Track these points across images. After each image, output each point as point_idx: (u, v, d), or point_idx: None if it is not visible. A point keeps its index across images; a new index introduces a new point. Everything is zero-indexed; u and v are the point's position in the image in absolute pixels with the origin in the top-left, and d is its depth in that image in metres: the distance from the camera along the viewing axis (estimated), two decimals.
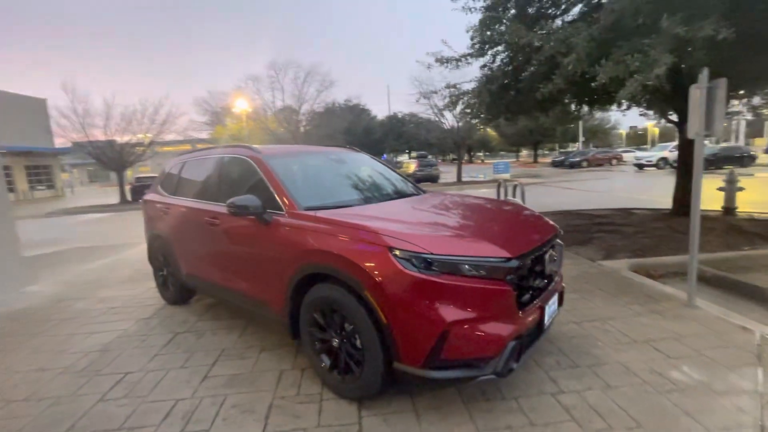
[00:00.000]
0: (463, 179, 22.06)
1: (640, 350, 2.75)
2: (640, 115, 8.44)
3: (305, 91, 27.37)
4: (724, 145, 21.42)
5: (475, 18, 6.14)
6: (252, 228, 2.78)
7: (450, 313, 1.94)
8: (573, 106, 7.80)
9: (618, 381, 2.41)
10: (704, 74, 3.02)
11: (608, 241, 5.79)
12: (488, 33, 6.11)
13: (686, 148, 6.87)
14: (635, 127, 66.59)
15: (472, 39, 6.49)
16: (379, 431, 2.07)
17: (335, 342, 2.35)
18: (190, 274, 3.67)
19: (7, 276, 4.90)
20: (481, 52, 6.36)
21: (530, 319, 2.16)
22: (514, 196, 6.45)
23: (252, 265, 2.86)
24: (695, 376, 2.43)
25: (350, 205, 2.80)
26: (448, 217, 2.70)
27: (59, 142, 26.16)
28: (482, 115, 7.35)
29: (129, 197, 19.93)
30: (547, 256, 2.37)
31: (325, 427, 2.13)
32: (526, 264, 2.17)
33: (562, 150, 48.77)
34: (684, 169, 6.97)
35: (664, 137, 50.01)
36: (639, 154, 27.99)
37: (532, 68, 5.88)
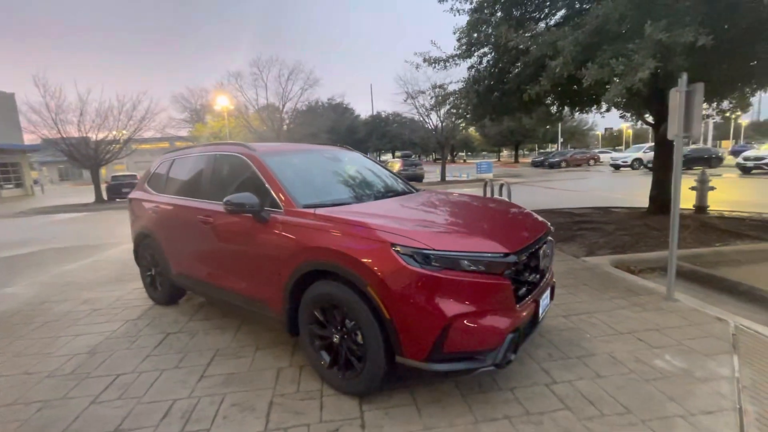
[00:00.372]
0: (447, 179, 22.32)
1: (626, 341, 2.89)
2: (620, 117, 8.76)
3: (289, 89, 27.12)
4: (693, 146, 22.40)
5: (463, 20, 6.26)
6: (248, 226, 2.76)
7: (452, 307, 1.99)
8: (555, 108, 8.03)
9: (607, 370, 2.53)
10: (683, 78, 3.19)
11: (590, 239, 6.00)
12: (475, 35, 6.24)
13: (661, 149, 7.19)
14: (611, 128, 68.95)
15: (459, 40, 6.61)
16: (381, 424, 2.11)
17: (336, 338, 2.37)
18: (180, 274, 3.60)
19: None
20: (468, 54, 6.48)
21: (526, 312, 2.24)
22: (500, 194, 6.60)
23: (248, 264, 2.85)
24: (677, 364, 2.57)
25: (348, 203, 2.82)
26: (445, 215, 2.76)
27: (28, 139, 25.04)
28: (468, 116, 7.48)
29: (105, 196, 19.26)
30: (541, 252, 2.46)
31: (327, 422, 2.15)
32: (523, 259, 2.25)
33: (541, 150, 49.95)
34: (659, 170, 7.29)
35: (639, 139, 51.96)
36: (615, 155, 28.98)
37: (517, 70, 6.03)
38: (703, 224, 6.47)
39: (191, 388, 2.54)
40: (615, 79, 3.97)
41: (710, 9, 3.75)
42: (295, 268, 2.45)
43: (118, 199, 19.14)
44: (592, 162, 32.67)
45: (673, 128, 3.37)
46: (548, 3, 5.93)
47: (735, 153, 27.71)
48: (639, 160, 23.81)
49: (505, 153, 61.08)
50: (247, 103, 27.35)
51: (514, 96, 6.40)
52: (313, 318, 2.46)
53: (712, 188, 7.63)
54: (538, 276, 2.45)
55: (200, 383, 2.59)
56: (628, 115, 8.59)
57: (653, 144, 8.65)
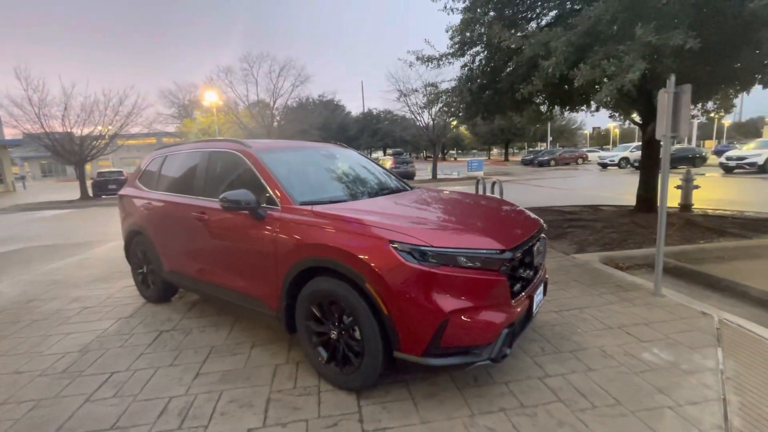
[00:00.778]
0: (438, 176, 22.43)
1: (615, 335, 2.97)
2: (609, 116, 8.92)
3: (280, 85, 26.87)
4: (678, 146, 22.91)
5: (456, 19, 6.29)
6: (245, 223, 2.76)
7: (449, 303, 2.02)
8: (546, 107, 8.14)
9: (597, 364, 2.60)
10: (672, 80, 3.27)
11: (579, 236, 6.12)
12: (467, 34, 6.28)
13: (649, 148, 7.36)
14: (599, 128, 70.01)
15: (451, 39, 6.64)
16: (379, 418, 2.14)
17: (333, 334, 2.39)
18: (173, 271, 3.57)
19: None
20: (461, 52, 6.52)
21: (521, 307, 2.29)
22: (492, 192, 6.67)
23: (244, 261, 2.84)
24: (664, 357, 2.65)
25: (344, 200, 2.83)
26: (441, 212, 2.79)
27: (10, 133, 24.35)
28: (461, 114, 7.53)
29: (90, 193, 18.86)
30: (535, 249, 2.51)
31: (325, 417, 2.17)
32: (518, 256, 2.29)
33: (531, 149, 50.51)
34: (646, 169, 7.46)
35: (625, 138, 52.86)
36: (602, 153, 29.47)
37: (510, 69, 6.09)
38: (688, 222, 6.65)
39: (187, 385, 2.53)
40: (605, 80, 4.05)
41: (698, 12, 3.85)
42: (293, 265, 2.46)
43: (104, 196, 18.78)
44: (580, 161, 33.17)
45: (662, 128, 3.46)
46: (539, 3, 6.00)
47: (718, 153, 28.45)
48: (626, 159, 24.26)
49: (495, 151, 61.63)
50: (237, 99, 27.05)
51: (507, 95, 6.47)
52: (311, 314, 2.47)
53: (697, 187, 7.83)
54: (531, 272, 2.50)
55: (196, 380, 2.58)
56: (617, 115, 8.75)
57: (640, 143, 8.83)
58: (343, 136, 39.97)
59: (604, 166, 25.70)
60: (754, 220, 6.91)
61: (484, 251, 2.12)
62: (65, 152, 17.45)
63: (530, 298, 2.41)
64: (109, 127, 18.45)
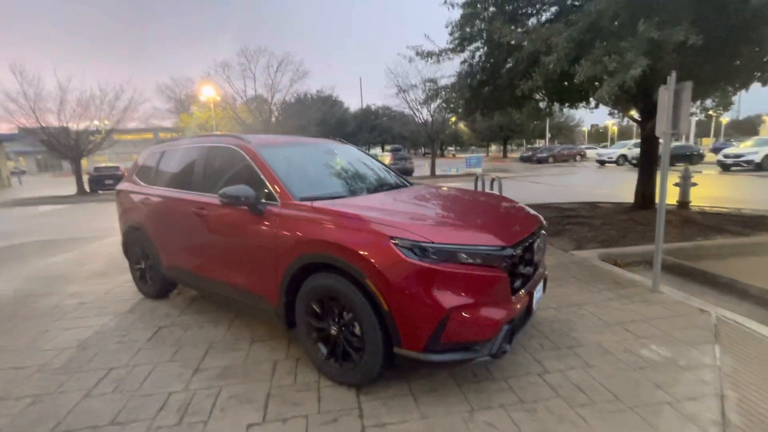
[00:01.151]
0: (437, 173, 22.40)
1: (614, 332, 2.98)
2: (609, 113, 8.91)
3: (278, 80, 26.68)
4: (676, 143, 22.96)
5: (457, 14, 6.25)
6: (244, 218, 2.74)
7: (449, 299, 2.02)
8: (545, 103, 8.12)
9: (596, 360, 2.61)
10: (673, 76, 3.27)
11: (578, 233, 6.13)
12: (468, 29, 6.24)
13: (647, 145, 7.36)
14: (597, 125, 70.04)
15: (451, 34, 6.60)
16: (379, 414, 2.14)
17: (333, 330, 2.38)
18: (172, 267, 3.56)
19: None
20: (460, 48, 6.48)
21: (521, 304, 2.29)
22: (492, 189, 6.67)
23: (244, 257, 2.83)
24: (663, 353, 2.67)
25: (344, 196, 2.82)
26: (441, 208, 2.79)
27: (5, 128, 24.11)
28: (460, 110, 7.51)
29: (87, 188, 18.74)
30: (535, 245, 2.51)
31: (325, 413, 2.17)
32: (518, 252, 2.29)
33: (529, 146, 50.50)
34: (645, 166, 7.46)
35: (624, 135, 52.94)
36: (601, 151, 29.48)
37: (510, 65, 6.06)
38: (686, 219, 6.67)
39: (187, 381, 2.53)
40: (605, 76, 4.04)
41: (700, 8, 3.84)
42: (292, 261, 2.45)
43: (100, 192, 18.67)
44: (578, 158, 33.18)
45: (662, 125, 3.45)
46: None
47: (715, 150, 28.54)
48: (624, 156, 24.28)
49: (493, 148, 61.59)
50: (235, 94, 26.86)
51: (506, 91, 6.45)
52: (310, 310, 2.47)
53: (694, 184, 7.85)
54: (531, 269, 2.50)
55: (196, 376, 2.58)
56: (616, 111, 8.75)
57: (638, 140, 8.82)
58: (341, 131, 39.82)
59: (602, 163, 25.73)
60: (752, 217, 6.94)
61: (485, 248, 2.12)
62: (61, 147, 17.30)
63: (530, 294, 2.41)
64: (106, 122, 18.31)
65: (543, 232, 2.77)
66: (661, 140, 3.52)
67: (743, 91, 6.52)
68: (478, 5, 5.98)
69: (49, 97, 16.92)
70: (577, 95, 7.13)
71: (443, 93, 7.42)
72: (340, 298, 2.28)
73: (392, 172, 3.80)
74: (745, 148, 18.40)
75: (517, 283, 2.31)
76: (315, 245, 2.34)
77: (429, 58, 6.72)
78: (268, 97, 26.99)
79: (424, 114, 21.58)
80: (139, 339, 3.13)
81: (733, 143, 27.35)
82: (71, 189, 19.05)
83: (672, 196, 7.77)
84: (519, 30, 5.08)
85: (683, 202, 7.76)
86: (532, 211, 2.96)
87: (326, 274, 2.34)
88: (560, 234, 6.14)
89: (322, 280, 2.35)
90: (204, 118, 27.76)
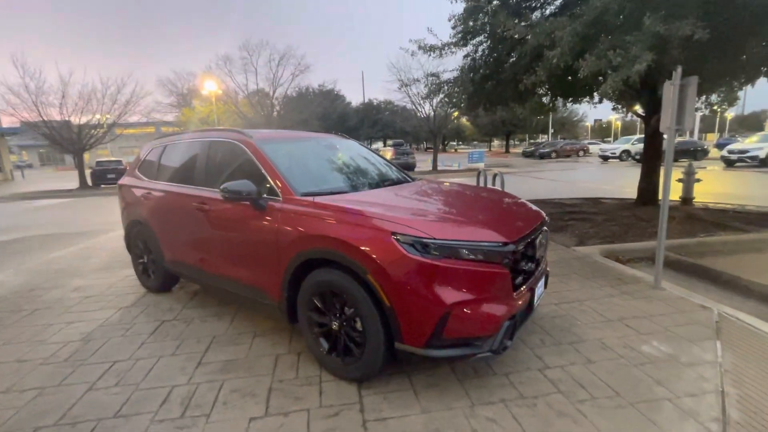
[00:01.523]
0: (439, 168, 22.35)
1: (615, 328, 2.98)
2: (613, 108, 8.84)
3: (280, 74, 26.57)
4: (679, 139, 22.79)
5: (460, 7, 6.19)
6: (246, 214, 2.75)
7: (451, 295, 2.02)
8: (548, 98, 8.06)
9: (597, 356, 2.61)
10: (678, 71, 3.23)
11: (580, 229, 6.12)
12: (471, 23, 6.19)
13: (651, 141, 7.31)
14: (600, 120, 69.63)
15: (454, 28, 6.55)
16: (380, 408, 2.16)
17: (335, 325, 2.39)
18: (174, 261, 3.57)
19: None
20: (463, 42, 6.43)
21: (522, 300, 2.29)
22: (494, 184, 6.65)
23: (246, 251, 2.83)
24: (664, 349, 2.67)
25: (345, 192, 2.82)
26: (443, 204, 2.78)
27: (7, 122, 24.16)
28: (463, 105, 7.46)
29: (89, 182, 18.80)
30: (537, 241, 2.51)
31: (327, 407, 2.19)
32: (520, 249, 2.29)
33: (532, 141, 50.26)
34: (648, 161, 7.42)
35: (627, 131, 52.62)
36: (604, 146, 29.34)
37: (513, 59, 6.02)
38: (689, 215, 6.64)
39: (189, 374, 2.55)
40: (609, 71, 4.00)
41: (707, 2, 3.78)
42: (294, 256, 2.45)
43: (103, 186, 18.73)
44: (581, 153, 33.03)
45: (666, 120, 3.42)
46: None
47: (720, 146, 28.30)
48: (627, 152, 24.14)
49: (496, 143, 61.33)
50: (236, 89, 26.78)
51: (509, 86, 6.40)
52: (312, 305, 2.47)
53: (698, 180, 7.81)
54: (533, 265, 2.50)
55: (198, 369, 2.60)
56: (620, 107, 8.68)
57: (642, 136, 8.75)
58: (343, 126, 39.71)
59: (605, 158, 25.60)
60: (756, 214, 6.90)
61: (487, 244, 2.11)
62: (63, 141, 17.34)
63: (531, 290, 2.41)
64: (108, 116, 18.32)
65: (545, 228, 2.76)
66: (665, 136, 3.49)
67: (749, 87, 6.44)
68: None
69: (51, 91, 16.93)
70: (580, 90, 7.07)
71: (446, 87, 7.37)
72: (341, 293, 2.28)
73: (394, 168, 3.79)
74: (750, 143, 18.26)
75: (519, 279, 2.31)
76: (316, 241, 2.35)
77: (431, 53, 6.68)
78: (269, 91, 26.90)
79: (427, 109, 21.52)
80: (143, 332, 3.15)
81: (738, 139, 27.12)
82: (74, 183, 19.13)
83: (675, 192, 7.74)
84: (523, 24, 5.03)
85: (686, 198, 7.72)
86: (534, 207, 2.95)
87: (328, 269, 2.35)
88: (562, 230, 6.13)
89: (324, 276, 2.36)
90: (206, 113, 27.73)
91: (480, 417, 2.07)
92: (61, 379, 2.55)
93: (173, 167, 3.68)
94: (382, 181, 3.31)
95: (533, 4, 6.10)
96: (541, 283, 2.63)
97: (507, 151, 45.20)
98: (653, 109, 6.70)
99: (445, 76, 7.59)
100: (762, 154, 16.89)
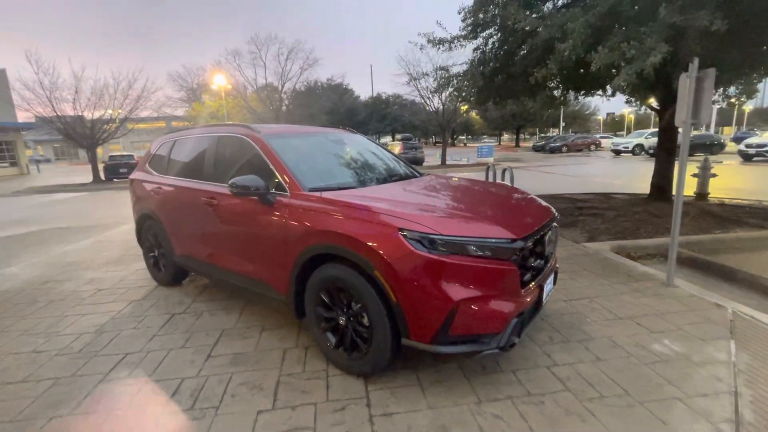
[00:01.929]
0: (447, 162, 22.21)
1: (625, 326, 2.94)
2: (626, 102, 8.66)
3: (288, 68, 26.57)
4: (695, 133, 22.24)
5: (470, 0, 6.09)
6: (253, 209, 2.76)
7: (458, 291, 2.01)
8: (560, 92, 7.92)
9: (606, 354, 2.58)
10: (695, 63, 3.14)
11: (591, 225, 6.03)
12: (481, 15, 6.09)
13: (666, 135, 7.15)
14: (612, 113, 68.30)
15: (464, 21, 6.45)
16: (387, 404, 2.16)
17: (342, 320, 2.40)
18: (184, 255, 3.62)
19: None
20: (473, 35, 6.33)
21: (531, 297, 2.27)
22: (503, 179, 6.58)
23: (254, 246, 2.85)
24: (675, 348, 2.62)
25: (353, 187, 2.81)
26: (451, 200, 2.76)
27: (22, 117, 24.62)
28: (472, 98, 7.37)
29: (102, 176, 19.12)
30: (546, 238, 2.47)
31: (333, 401, 2.20)
32: (529, 245, 2.26)
33: (542, 135, 49.58)
34: (662, 156, 7.26)
35: (640, 124, 51.57)
36: (616, 140, 28.77)
37: (524, 52, 5.91)
38: (704, 211, 6.49)
39: (199, 367, 2.58)
40: (623, 64, 3.90)
41: None
42: (302, 252, 2.46)
43: (115, 180, 19.03)
44: (593, 147, 32.48)
45: (681, 114, 3.34)
46: None
47: (737, 140, 27.57)
48: (640, 146, 23.68)
49: (505, 137, 60.69)
50: (245, 83, 26.88)
51: (520, 79, 6.30)
52: (320, 300, 2.48)
53: (714, 175, 7.62)
54: (542, 261, 2.47)
55: (207, 362, 2.63)
56: (633, 100, 8.49)
57: (656, 130, 8.56)
58: (351, 120, 39.65)
59: (617, 153, 25.14)
60: None
61: (495, 240, 2.09)
62: (77, 135, 17.63)
63: (540, 287, 2.38)
64: (119, 111, 18.56)
65: (555, 224, 2.72)
66: (680, 130, 3.40)
67: None
68: None
69: (64, 86, 17.19)
70: (593, 83, 6.93)
71: (455, 81, 7.29)
72: (348, 288, 2.28)
73: (402, 162, 3.77)
74: None
75: (528, 275, 2.29)
76: (324, 236, 2.35)
77: (441, 46, 6.60)
78: (278, 85, 26.95)
79: (436, 102, 21.34)
80: (153, 325, 3.21)
81: (756, 132, 26.37)
82: (87, 177, 19.47)
83: (690, 187, 7.58)
84: (534, 16, 4.93)
85: (702, 194, 7.56)
86: (544, 203, 2.91)
87: (335, 264, 2.35)
88: (572, 226, 6.05)
89: (331, 271, 2.36)
90: (215, 107, 27.92)
91: (486, 414, 2.06)
92: (75, 369, 2.61)
93: (183, 162, 3.71)
94: (390, 176, 3.29)
95: None
96: (551, 279, 2.60)
97: (517, 146, 44.70)
98: (668, 102, 6.54)
99: (455, 70, 7.51)
100: None
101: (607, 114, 68.75)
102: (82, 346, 2.91)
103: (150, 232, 4.08)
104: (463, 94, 7.40)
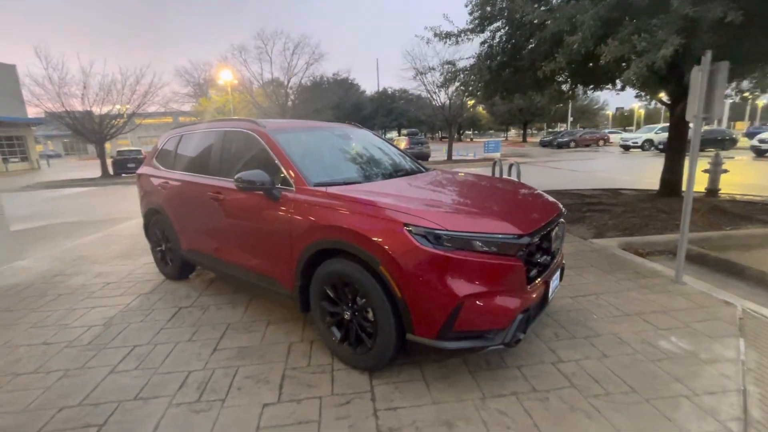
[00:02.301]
0: (454, 158, 22.10)
1: (632, 322, 2.91)
2: (636, 96, 8.52)
3: (294, 63, 26.52)
4: (706, 128, 21.85)
5: None
6: (259, 203, 2.77)
7: (464, 287, 2.00)
8: (568, 86, 7.81)
9: (612, 351, 2.56)
10: (708, 56, 3.07)
11: (598, 221, 5.97)
12: (488, 8, 6.01)
13: (676, 130, 7.03)
14: (622, 108, 67.35)
15: (471, 14, 6.38)
16: (391, 398, 2.17)
17: (347, 315, 2.41)
18: (191, 249, 3.65)
19: None
20: (480, 28, 6.26)
21: (536, 293, 2.26)
22: (510, 174, 6.53)
23: (259, 241, 2.86)
24: (683, 345, 2.60)
25: (358, 182, 2.80)
26: (456, 195, 2.74)
27: (32, 112, 24.90)
28: (479, 93, 7.30)
29: (111, 171, 19.32)
30: (553, 234, 2.45)
31: (338, 395, 2.21)
32: (535, 241, 2.24)
33: (550, 130, 49.07)
34: (673, 151, 7.15)
35: (650, 119, 50.78)
36: (625, 135, 28.38)
37: (532, 46, 5.83)
38: (714, 207, 6.40)
39: (205, 360, 2.61)
40: (633, 56, 3.82)
41: None
42: (307, 246, 2.47)
43: (123, 174, 19.22)
44: (601, 142, 32.09)
45: (693, 108, 3.27)
46: None
47: (750, 135, 27.03)
48: (650, 141, 23.34)
49: (512, 132, 60.15)
50: (251, 78, 26.90)
51: (527, 73, 6.22)
52: (324, 295, 2.49)
53: (725, 171, 7.50)
54: (549, 257, 2.45)
55: (214, 356, 2.66)
56: (643, 94, 8.35)
57: (666, 125, 8.42)
58: (357, 115, 39.55)
59: (626, 148, 24.82)
60: None
61: (501, 236, 2.07)
62: (85, 131, 17.80)
63: (546, 283, 2.37)
64: (127, 106, 18.70)
65: (562, 220, 2.70)
66: (691, 125, 3.34)
67: None
68: None
69: (73, 82, 17.33)
70: (602, 77, 6.82)
71: (462, 75, 7.21)
72: (353, 283, 2.29)
73: (408, 157, 3.75)
74: None
75: (534, 271, 2.27)
76: (329, 231, 2.35)
77: (447, 40, 6.53)
78: (284, 80, 26.92)
79: (442, 97, 21.20)
80: (161, 318, 3.24)
81: None
82: (96, 172, 19.69)
83: (700, 184, 7.45)
84: (542, 8, 4.84)
85: (712, 190, 7.44)
86: (551, 198, 2.88)
87: (340, 259, 2.35)
88: (580, 221, 5.99)
89: (336, 266, 2.36)
90: (222, 102, 27.99)
91: (491, 409, 2.06)
92: (84, 361, 2.65)
93: (189, 157, 3.73)
94: (396, 172, 3.28)
95: None
96: (557, 276, 2.58)
97: (524, 141, 44.28)
98: (679, 96, 6.42)
99: (462, 64, 7.43)
100: None
101: (617, 109, 67.85)
102: (91, 339, 2.95)
103: (157, 227, 4.12)
104: (470, 88, 7.33)
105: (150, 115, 23.42)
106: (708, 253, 4.51)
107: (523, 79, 6.60)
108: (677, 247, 3.59)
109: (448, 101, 21.07)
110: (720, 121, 36.13)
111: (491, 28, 6.42)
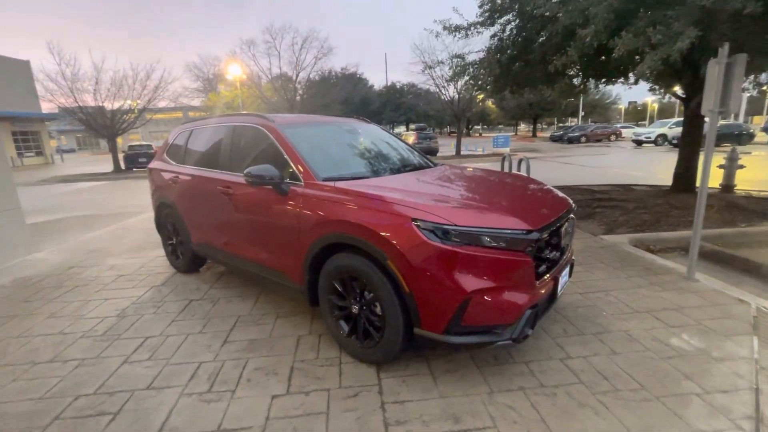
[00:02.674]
0: (462, 153, 21.95)
1: (642, 320, 2.88)
2: (649, 90, 8.34)
3: (302, 58, 26.51)
4: (723, 122, 21.33)
5: None
6: (268, 198, 2.79)
7: (472, 282, 2.00)
8: (580, 80, 7.69)
9: (622, 347, 2.54)
10: (725, 49, 2.99)
11: (609, 216, 5.90)
12: (498, 1, 5.93)
13: (691, 124, 6.88)
14: (634, 102, 66.06)
15: (481, 7, 6.30)
16: (399, 391, 2.19)
17: (354, 309, 2.42)
18: (201, 243, 3.70)
19: (13, 243, 4.90)
20: (491, 21, 6.18)
21: (545, 289, 2.24)
22: (519, 170, 6.47)
23: (268, 235, 2.89)
24: (694, 343, 2.56)
25: (367, 177, 2.81)
26: (466, 190, 2.73)
27: (46, 107, 25.33)
28: (489, 87, 7.23)
29: (122, 166, 19.61)
30: (563, 229, 2.43)
31: (346, 388, 2.24)
32: (545, 237, 2.22)
33: (561, 125, 48.38)
34: (687, 146, 7.00)
35: (664, 113, 49.74)
36: (638, 130, 27.86)
37: (543, 39, 5.74)
38: (729, 204, 6.27)
39: (216, 351, 2.66)
40: (647, 49, 3.74)
41: None
42: (315, 241, 2.48)
43: (135, 169, 19.49)
44: (613, 137, 31.55)
45: (709, 102, 3.20)
46: None
47: (767, 129, 26.33)
48: (663, 136, 22.89)
49: (522, 127, 59.48)
50: (260, 73, 26.98)
51: (538, 67, 6.14)
52: (333, 289, 2.51)
53: (741, 167, 7.33)
54: (558, 253, 2.43)
55: (224, 347, 2.71)
56: (657, 88, 8.18)
57: (680, 119, 8.24)
58: (365, 110, 39.45)
59: (639, 143, 24.37)
60: None
61: (510, 231, 2.06)
62: (97, 126, 18.07)
63: (555, 279, 2.35)
64: (138, 101, 18.91)
65: (572, 215, 2.67)
66: (706, 119, 3.26)
67: None
68: None
69: (85, 77, 17.57)
70: (615, 71, 6.69)
71: (471, 69, 7.14)
72: (361, 277, 2.30)
73: (416, 152, 3.74)
74: None
75: (543, 267, 2.26)
76: (337, 225, 2.36)
77: (457, 33, 6.46)
78: (292, 75, 26.95)
79: (451, 92, 21.05)
80: (172, 311, 3.30)
81: None
82: (108, 167, 20.00)
83: (715, 179, 7.30)
84: (554, 0, 4.76)
85: (728, 186, 7.29)
86: (561, 194, 2.85)
87: (348, 254, 2.37)
88: (590, 217, 5.93)
89: (344, 260, 2.38)
90: (231, 97, 28.14)
91: (498, 404, 2.06)
92: (99, 351, 2.71)
93: (199, 151, 3.77)
94: (404, 167, 3.27)
95: None
96: (566, 271, 2.56)
97: (534, 136, 43.75)
98: (695, 89, 6.27)
99: (471, 58, 7.35)
100: None
101: (629, 103, 66.54)
102: (106, 329, 3.02)
103: (168, 221, 4.18)
104: (479, 82, 7.26)
105: (160, 110, 23.60)
106: (722, 250, 4.43)
107: (534, 72, 6.51)
108: (690, 243, 3.53)
109: (456, 96, 20.91)
110: (737, 116, 35.17)
111: (501, 21, 6.34)
